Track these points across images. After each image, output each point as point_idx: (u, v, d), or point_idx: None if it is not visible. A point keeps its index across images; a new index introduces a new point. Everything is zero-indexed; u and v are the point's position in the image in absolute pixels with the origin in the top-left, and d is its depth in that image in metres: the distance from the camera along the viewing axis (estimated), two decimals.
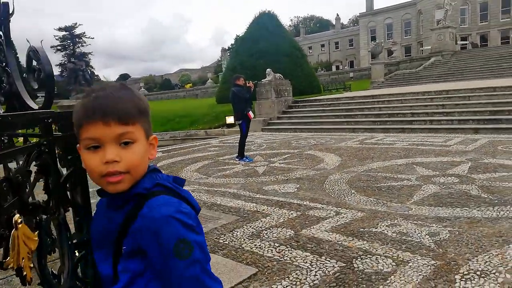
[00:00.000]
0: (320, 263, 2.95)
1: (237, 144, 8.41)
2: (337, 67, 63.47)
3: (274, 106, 15.25)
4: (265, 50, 19.45)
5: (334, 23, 74.46)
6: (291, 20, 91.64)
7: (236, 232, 3.71)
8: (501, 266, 2.74)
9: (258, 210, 4.42)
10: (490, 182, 4.97)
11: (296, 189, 5.40)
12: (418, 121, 10.64)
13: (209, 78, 53.49)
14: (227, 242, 3.47)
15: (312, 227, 3.75)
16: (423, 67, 27.49)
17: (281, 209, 4.38)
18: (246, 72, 16.27)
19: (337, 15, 71.74)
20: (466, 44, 39.39)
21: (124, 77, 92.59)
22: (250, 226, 3.86)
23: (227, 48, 63.48)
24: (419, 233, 3.48)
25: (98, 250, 0.94)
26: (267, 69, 15.47)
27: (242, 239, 3.52)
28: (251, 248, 3.29)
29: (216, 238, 3.59)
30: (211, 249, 3.33)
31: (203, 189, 5.62)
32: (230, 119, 15.33)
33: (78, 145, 0.89)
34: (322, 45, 70.58)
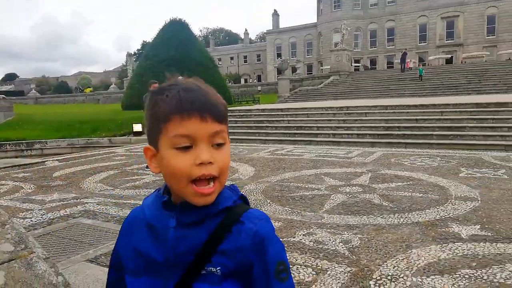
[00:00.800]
0: None
1: None
2: (246, 80, 65.28)
3: None
4: (176, 58, 19.08)
5: (242, 37, 76.58)
6: (201, 30, 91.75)
7: None
8: (407, 270, 2.97)
9: None
10: (388, 192, 5.46)
11: None
12: (323, 134, 11.36)
13: (113, 83, 50.45)
14: None
15: None
16: (324, 85, 29.69)
17: None
18: (157, 78, 15.71)
19: (246, 30, 74.08)
20: (359, 66, 43.75)
21: (11, 76, 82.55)
22: None
23: (133, 53, 60.74)
24: (333, 241, 3.62)
25: (147, 276, 0.79)
26: (179, 77, 15.04)
27: None
28: None
29: None
30: None
31: (111, 202, 5.15)
32: (137, 127, 14.55)
33: (146, 145, 0.77)
34: (231, 58, 72.01)
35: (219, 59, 70.97)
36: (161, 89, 0.76)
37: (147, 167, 7.78)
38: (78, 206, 4.93)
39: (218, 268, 0.74)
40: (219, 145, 0.74)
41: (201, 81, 0.78)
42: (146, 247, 0.78)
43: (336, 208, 4.73)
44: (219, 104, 0.75)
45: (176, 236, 0.75)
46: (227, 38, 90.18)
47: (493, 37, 45.67)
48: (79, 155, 10.89)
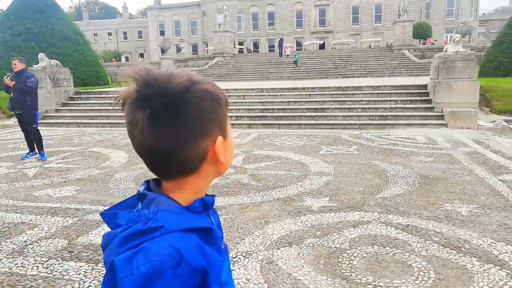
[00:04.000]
0: (96, 271, 2.74)
1: (1, 142, 6.99)
2: (127, 58, 61.21)
3: (51, 97, 13.39)
4: (35, 31, 16.72)
5: (121, 12, 71.20)
6: (71, 1, 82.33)
7: None
8: (261, 245, 3.23)
9: (24, 221, 3.76)
10: (258, 171, 5.80)
11: (75, 192, 4.90)
12: None
13: None
14: None
15: (90, 233, 3.46)
16: (208, 66, 29.66)
17: (53, 217, 3.86)
18: (12, 55, 13.63)
19: (124, 3, 68.89)
20: (243, 48, 44.80)
21: None
22: (11, 242, 3.24)
23: None
24: None
25: None
26: (40, 54, 13.39)
27: None
28: (10, 269, 2.76)
29: None
30: None
31: None
32: None
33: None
34: (109, 34, 66.56)
35: (95, 34, 65.02)
36: (194, 79, 0.71)
37: (41, 155, 6.99)
38: None
39: None
40: None
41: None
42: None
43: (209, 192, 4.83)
44: None
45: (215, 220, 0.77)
46: (104, 11, 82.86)
47: (357, 26, 51.25)
48: None
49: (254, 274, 2.74)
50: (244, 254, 3.05)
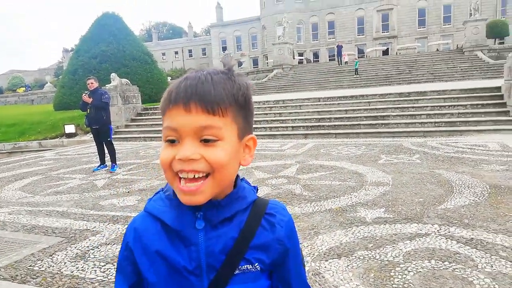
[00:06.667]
0: None
1: (76, 156, 7.70)
2: None
3: (121, 114, 14.46)
4: (110, 53, 18.29)
5: (187, 31, 75.10)
6: (143, 24, 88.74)
7: (56, 256, 3.33)
8: (309, 256, 3.15)
9: (88, 228, 4.07)
10: (311, 181, 5.70)
11: (137, 201, 5.19)
12: (259, 128, 11.55)
13: (48, 82, 47.46)
14: (43, 269, 3.08)
15: None
16: (268, 78, 30.07)
17: (115, 225, 4.13)
18: (89, 76, 15.00)
19: (190, 23, 72.59)
20: (302, 59, 44.78)
21: None
22: (75, 247, 3.52)
23: (70, 49, 57.48)
24: None
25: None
26: (112, 74, 14.60)
27: (63, 263, 3.18)
28: (72, 272, 2.99)
29: (30, 266, 3.15)
30: (21, 279, 2.90)
31: (25, 210, 4.89)
32: (70, 128, 13.86)
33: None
34: (176, 52, 70.41)
35: (163, 54, 69.17)
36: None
37: (113, 167, 7.54)
38: None
39: (256, 264, 0.71)
40: (207, 142, 0.65)
41: (228, 69, 0.71)
42: (171, 255, 0.70)
43: None
44: (218, 92, 0.65)
45: (207, 238, 0.69)
46: (171, 31, 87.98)
47: (424, 29, 48.72)
48: (3, 161, 10.18)
49: None
50: None
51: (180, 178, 0.65)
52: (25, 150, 13.09)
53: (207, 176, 0.66)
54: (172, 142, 0.66)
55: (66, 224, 4.23)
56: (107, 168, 7.68)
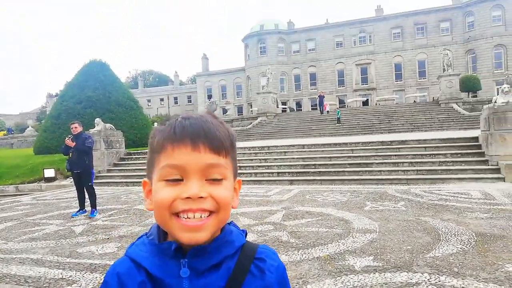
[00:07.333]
0: None
1: (54, 200, 7.44)
2: None
3: (104, 158, 14.24)
4: (95, 99, 18.36)
5: (173, 79, 76.68)
6: (130, 72, 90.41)
7: None
8: None
9: (64, 277, 3.83)
10: (298, 228, 5.60)
11: (116, 248, 4.97)
12: (245, 173, 11.51)
13: (29, 126, 46.92)
14: None
15: None
16: (252, 125, 30.52)
17: (92, 273, 3.91)
18: (72, 121, 14.92)
19: (176, 72, 74.31)
20: (286, 107, 45.90)
21: None
22: None
23: (54, 94, 57.60)
24: None
25: None
26: (96, 119, 14.58)
27: None
28: None
29: None
30: None
31: None
32: (49, 172, 13.50)
33: (144, 179, 0.70)
34: (162, 99, 71.38)
35: (149, 100, 70.02)
36: (164, 120, 0.71)
37: (92, 212, 7.24)
38: None
39: None
40: (215, 181, 0.65)
41: (212, 113, 0.72)
42: None
43: None
44: (222, 136, 0.66)
45: (192, 287, 0.65)
46: (157, 79, 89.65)
47: (401, 82, 51.12)
48: None
49: None
50: None
51: (177, 215, 0.64)
52: (1, 194, 12.59)
53: (212, 213, 0.66)
54: (174, 181, 0.64)
55: (40, 273, 3.97)
56: (86, 213, 7.42)
